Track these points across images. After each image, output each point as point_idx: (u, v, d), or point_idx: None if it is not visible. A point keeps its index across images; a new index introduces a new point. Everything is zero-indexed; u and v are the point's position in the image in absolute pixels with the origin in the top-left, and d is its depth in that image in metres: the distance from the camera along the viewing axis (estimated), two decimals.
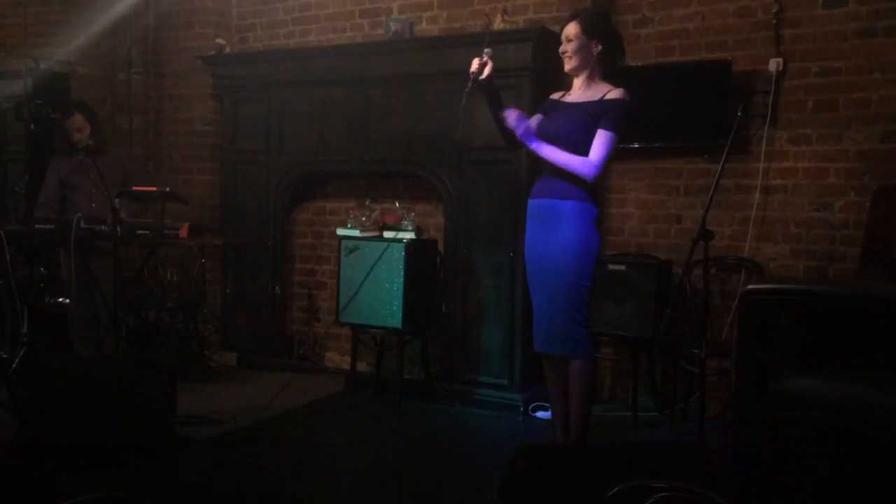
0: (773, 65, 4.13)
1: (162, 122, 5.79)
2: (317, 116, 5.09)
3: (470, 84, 3.24)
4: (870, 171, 3.97)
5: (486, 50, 3.27)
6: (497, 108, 3.32)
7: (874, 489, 1.96)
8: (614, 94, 3.24)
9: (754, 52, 4.19)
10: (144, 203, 4.83)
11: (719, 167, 3.09)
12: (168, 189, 4.71)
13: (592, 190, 3.29)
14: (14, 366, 3.89)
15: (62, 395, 3.34)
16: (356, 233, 4.67)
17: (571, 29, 3.28)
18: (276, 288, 5.37)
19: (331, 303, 5.18)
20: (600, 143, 3.20)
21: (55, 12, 6.15)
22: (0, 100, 5.49)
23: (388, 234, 4.65)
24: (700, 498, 1.94)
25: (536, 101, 3.94)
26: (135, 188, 4.67)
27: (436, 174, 4.69)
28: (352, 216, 4.86)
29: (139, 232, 4.48)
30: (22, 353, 3.94)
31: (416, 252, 4.45)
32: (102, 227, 4.20)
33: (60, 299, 4.59)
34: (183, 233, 4.54)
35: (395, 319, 4.34)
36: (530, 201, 3.41)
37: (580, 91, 3.35)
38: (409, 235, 4.56)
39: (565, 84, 3.45)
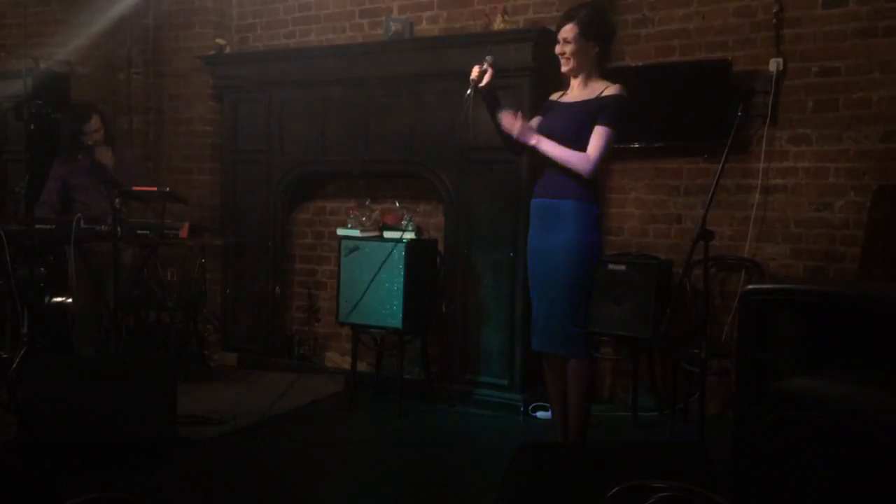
0: (773, 65, 4.13)
1: (162, 122, 5.79)
2: (317, 116, 5.09)
3: (469, 91, 3.25)
4: (870, 171, 3.97)
5: (487, 57, 3.28)
6: (496, 113, 3.32)
7: (874, 489, 1.96)
8: (611, 90, 3.25)
9: (754, 52, 4.19)
10: (144, 203, 4.84)
11: (719, 167, 3.09)
12: (168, 189, 4.71)
13: (593, 189, 3.29)
14: (14, 366, 3.89)
15: (62, 395, 3.34)
16: (356, 233, 4.67)
17: (569, 31, 3.27)
18: (276, 288, 5.37)
19: (331, 303, 5.18)
20: (597, 138, 3.21)
21: (55, 12, 6.15)
22: (0, 100, 5.49)
23: (388, 234, 4.65)
24: (700, 498, 1.94)
25: (536, 101, 3.94)
26: (135, 188, 4.67)
27: (436, 174, 4.69)
28: (352, 216, 4.86)
29: (139, 232, 4.48)
30: (22, 353, 3.93)
31: (416, 252, 4.45)
32: (102, 227, 4.20)
33: (61, 299, 4.59)
34: (183, 233, 4.54)
35: (395, 319, 4.34)
36: (532, 201, 3.42)
37: (577, 90, 3.35)
38: (409, 235, 4.55)
39: (565, 84, 3.46)
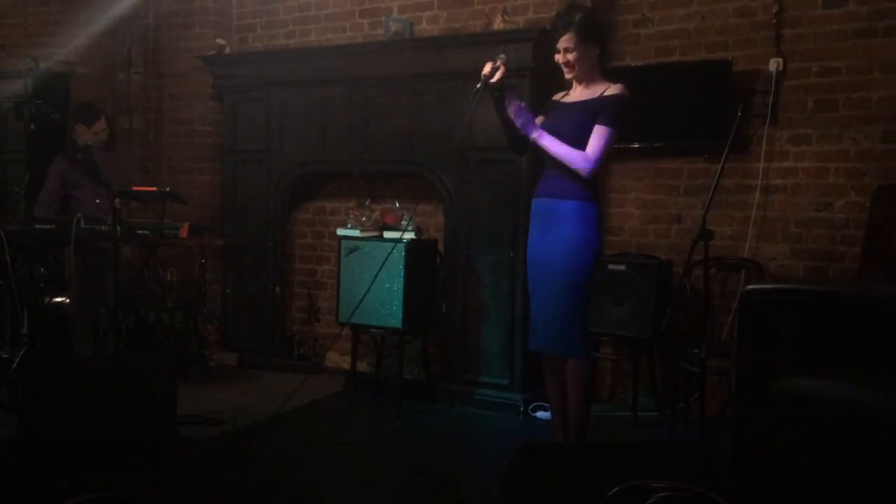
0: (773, 65, 4.13)
1: (162, 122, 5.79)
2: (317, 116, 5.09)
3: (479, 85, 3.24)
4: (870, 171, 3.97)
5: (501, 55, 3.28)
6: (503, 108, 3.31)
7: (874, 489, 1.96)
8: (613, 90, 3.25)
9: (754, 52, 4.19)
10: (144, 203, 4.84)
11: (719, 167, 3.10)
12: (168, 189, 4.71)
13: (593, 189, 3.29)
14: (14, 366, 3.89)
15: (62, 395, 3.34)
16: (356, 233, 4.67)
17: (569, 40, 3.24)
18: (276, 288, 5.37)
19: (331, 303, 5.18)
20: (597, 138, 3.21)
21: (55, 12, 6.14)
22: (0, 100, 5.49)
23: (388, 234, 4.64)
24: (700, 498, 1.93)
25: (537, 101, 3.94)
26: (135, 188, 4.67)
27: (436, 174, 4.69)
28: (352, 216, 4.86)
29: (139, 232, 4.48)
30: (22, 353, 3.93)
31: (416, 252, 4.45)
32: (102, 227, 4.20)
33: (59, 299, 4.59)
34: (183, 233, 4.55)
35: (395, 319, 4.34)
36: (533, 200, 3.42)
37: (580, 90, 3.36)
38: (409, 235, 4.55)
39: (566, 84, 3.46)
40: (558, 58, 3.31)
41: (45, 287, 4.58)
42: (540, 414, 4.30)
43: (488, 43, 4.35)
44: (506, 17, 4.53)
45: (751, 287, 2.43)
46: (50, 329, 4.53)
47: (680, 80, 4.30)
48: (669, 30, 4.41)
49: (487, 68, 3.27)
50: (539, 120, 3.40)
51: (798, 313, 2.32)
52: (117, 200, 4.13)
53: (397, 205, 4.96)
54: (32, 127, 4.11)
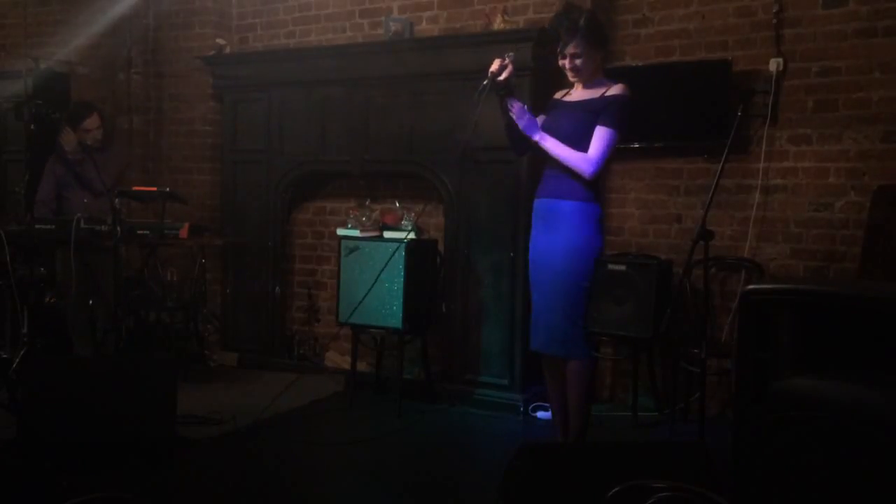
0: (773, 65, 4.13)
1: (162, 122, 5.79)
2: (317, 116, 5.09)
3: (486, 83, 3.23)
4: (870, 171, 3.97)
5: (509, 53, 3.26)
6: (507, 107, 3.30)
7: (874, 489, 1.96)
8: (615, 90, 3.24)
9: (754, 52, 4.19)
10: (144, 203, 4.84)
11: (719, 167, 3.09)
12: (168, 189, 4.71)
13: (594, 189, 3.29)
14: (14, 366, 3.89)
15: (62, 395, 3.34)
16: (356, 233, 4.67)
17: (577, 46, 3.22)
18: (276, 288, 5.37)
19: (331, 303, 5.18)
20: (598, 139, 3.20)
21: (55, 12, 6.15)
22: (0, 100, 5.49)
23: (388, 234, 4.64)
24: (700, 498, 1.94)
25: (536, 101, 3.94)
26: (135, 188, 4.68)
27: (436, 174, 4.69)
28: (352, 216, 4.86)
29: (139, 232, 4.48)
30: (22, 353, 3.93)
31: (416, 252, 4.45)
32: (102, 227, 4.20)
33: (52, 299, 4.59)
34: (183, 233, 4.55)
35: (395, 319, 4.34)
36: (535, 201, 3.42)
37: (581, 89, 3.35)
38: (410, 235, 4.56)
39: (566, 83, 3.46)
40: (564, 63, 3.28)
41: (45, 287, 4.60)
42: (540, 414, 4.30)
43: (488, 43, 4.35)
44: (506, 17, 4.53)
45: (751, 287, 2.42)
46: (50, 329, 4.55)
47: (680, 80, 4.30)
48: (669, 30, 4.41)
49: (495, 66, 3.24)
50: (541, 119, 3.39)
51: (798, 313, 2.32)
52: (117, 200, 4.13)
53: (397, 205, 4.96)
54: (32, 127, 4.12)
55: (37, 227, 4.13)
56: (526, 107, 3.31)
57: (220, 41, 5.45)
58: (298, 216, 5.50)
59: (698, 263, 3.38)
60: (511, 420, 4.30)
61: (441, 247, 4.75)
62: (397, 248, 4.34)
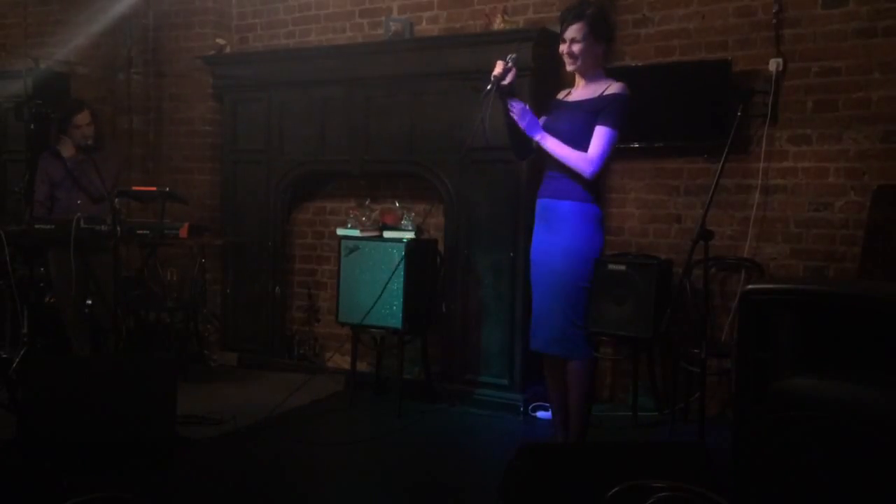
0: (773, 65, 4.12)
1: (162, 122, 5.79)
2: (317, 116, 5.09)
3: (490, 87, 3.22)
4: (870, 171, 3.97)
5: (511, 56, 3.25)
6: (510, 112, 3.30)
7: (874, 489, 1.96)
8: (614, 88, 3.24)
9: (754, 52, 4.19)
10: (144, 203, 4.84)
11: (719, 167, 3.09)
12: (168, 189, 4.71)
13: (594, 189, 3.29)
14: (14, 366, 3.89)
15: (62, 395, 3.34)
16: (356, 233, 4.66)
17: (578, 30, 3.22)
18: (276, 288, 5.37)
19: (331, 303, 5.18)
20: (598, 139, 3.20)
21: (55, 12, 6.15)
22: (0, 100, 5.49)
23: (388, 234, 4.64)
24: (700, 498, 1.94)
25: (537, 101, 3.94)
26: (135, 188, 4.67)
27: (436, 174, 4.69)
28: (352, 216, 4.85)
29: (139, 232, 4.48)
30: (22, 353, 3.94)
31: (416, 252, 4.45)
32: (102, 227, 4.20)
33: (52, 299, 4.59)
34: (183, 233, 4.54)
35: (395, 319, 4.34)
36: (537, 200, 3.42)
37: (581, 89, 3.35)
38: (409, 235, 4.55)
39: (566, 84, 3.46)
40: (563, 48, 3.27)
41: (45, 287, 4.60)
42: (540, 414, 4.30)
43: (488, 43, 4.35)
44: (506, 17, 4.53)
45: (751, 287, 2.43)
46: (50, 329, 4.55)
47: (680, 80, 4.29)
48: (669, 30, 4.41)
49: (499, 69, 3.22)
50: (542, 119, 3.39)
51: (798, 313, 2.32)
52: (117, 200, 4.13)
53: (397, 205, 4.95)
54: (32, 127, 4.12)
55: (37, 227, 4.13)
56: (527, 107, 3.31)
57: (220, 41, 5.45)
58: (298, 216, 5.51)
59: (698, 263, 3.39)
60: (511, 420, 4.30)
61: (441, 247, 4.75)
62: (397, 247, 4.34)
